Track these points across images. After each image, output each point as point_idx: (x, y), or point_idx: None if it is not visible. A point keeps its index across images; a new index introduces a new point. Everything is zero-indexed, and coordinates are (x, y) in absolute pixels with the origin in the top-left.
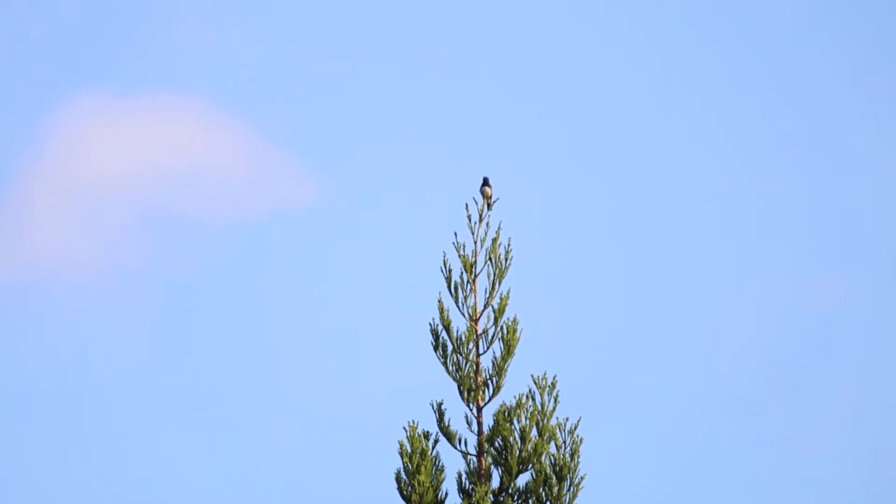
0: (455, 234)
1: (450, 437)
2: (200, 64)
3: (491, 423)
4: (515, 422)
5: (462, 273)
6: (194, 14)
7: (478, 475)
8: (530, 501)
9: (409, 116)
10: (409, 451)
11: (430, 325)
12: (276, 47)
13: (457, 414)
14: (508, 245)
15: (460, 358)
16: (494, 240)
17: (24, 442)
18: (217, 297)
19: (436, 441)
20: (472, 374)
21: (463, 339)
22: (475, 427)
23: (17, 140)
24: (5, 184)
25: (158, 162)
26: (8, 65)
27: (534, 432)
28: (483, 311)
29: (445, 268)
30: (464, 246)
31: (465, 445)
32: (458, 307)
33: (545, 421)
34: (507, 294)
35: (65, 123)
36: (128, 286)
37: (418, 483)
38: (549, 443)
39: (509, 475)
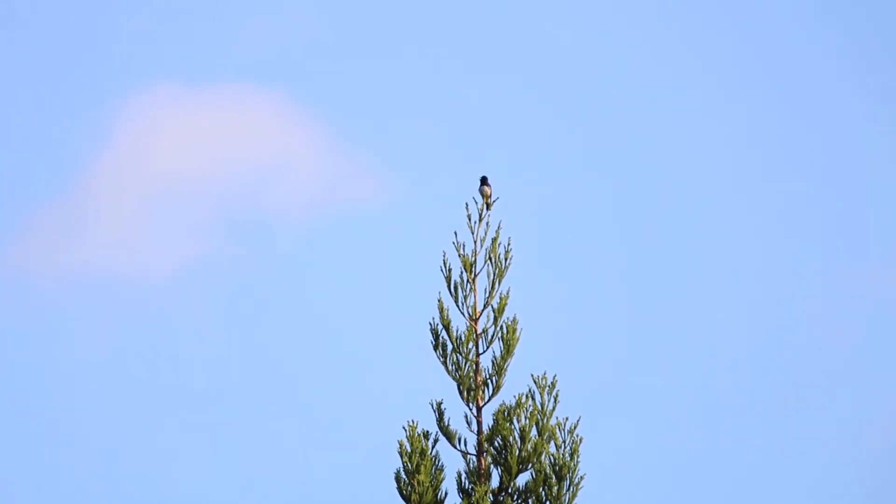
0: (455, 233)
1: (449, 436)
2: (272, 57)
3: (491, 423)
4: (515, 421)
5: (462, 273)
6: (268, 7)
7: (477, 475)
8: (530, 501)
9: (408, 115)
10: (409, 450)
11: (430, 324)
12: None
13: (456, 413)
14: (508, 245)
15: (460, 357)
16: (494, 239)
17: (25, 441)
18: (231, 300)
19: (435, 441)
20: (471, 374)
21: (463, 338)
22: (475, 427)
23: (86, 131)
24: (73, 176)
25: (228, 155)
26: (79, 54)
27: (533, 432)
28: (483, 310)
29: (445, 267)
30: (464, 245)
31: (465, 445)
32: (457, 307)
33: (545, 420)
34: (507, 294)
35: (135, 114)
36: (189, 283)
37: (418, 483)
38: (549, 442)
39: (509, 475)
